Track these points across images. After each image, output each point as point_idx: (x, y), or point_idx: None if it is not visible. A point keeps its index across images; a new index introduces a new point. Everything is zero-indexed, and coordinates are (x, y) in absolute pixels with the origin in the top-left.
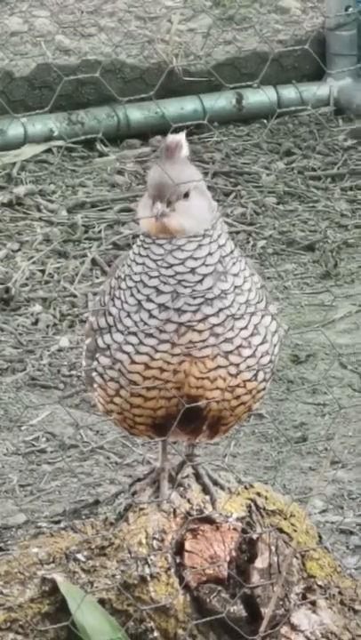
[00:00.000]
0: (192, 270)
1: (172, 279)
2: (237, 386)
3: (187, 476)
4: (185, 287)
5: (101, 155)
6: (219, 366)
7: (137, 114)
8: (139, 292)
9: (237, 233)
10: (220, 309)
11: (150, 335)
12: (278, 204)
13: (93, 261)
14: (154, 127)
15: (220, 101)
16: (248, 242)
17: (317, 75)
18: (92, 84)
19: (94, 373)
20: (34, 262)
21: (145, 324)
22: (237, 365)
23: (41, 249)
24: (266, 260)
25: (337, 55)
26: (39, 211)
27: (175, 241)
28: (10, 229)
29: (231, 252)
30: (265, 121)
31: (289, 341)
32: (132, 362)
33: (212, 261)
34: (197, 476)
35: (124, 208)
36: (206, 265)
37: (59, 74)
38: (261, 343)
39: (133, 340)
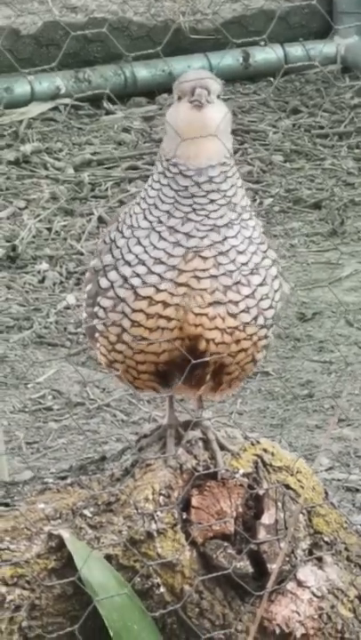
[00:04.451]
0: (212, 201)
1: (188, 207)
2: (236, 328)
3: (194, 442)
4: (198, 214)
5: (108, 112)
6: (217, 302)
7: (144, 72)
8: (151, 213)
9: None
10: (226, 238)
11: (158, 261)
12: (285, 161)
13: (100, 219)
14: (161, 85)
15: (227, 59)
16: (255, 200)
17: (324, 32)
18: (99, 41)
19: (95, 320)
20: (40, 220)
21: (155, 247)
22: (236, 304)
23: (47, 207)
24: (273, 217)
25: (344, 13)
26: (46, 169)
27: (205, 172)
28: (17, 187)
29: (241, 185)
30: (272, 79)
31: (295, 299)
32: (137, 297)
33: (230, 193)
34: (206, 442)
35: (131, 166)
36: (225, 196)
37: (66, 31)
38: (261, 285)
39: (141, 269)
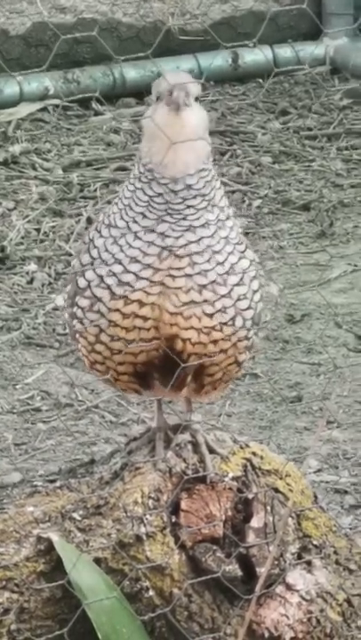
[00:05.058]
0: (189, 207)
1: (162, 211)
2: (213, 328)
3: (184, 445)
4: (173, 217)
5: (97, 113)
6: (193, 301)
7: (133, 73)
8: (126, 214)
9: (233, 192)
10: (202, 238)
11: (134, 260)
12: (274, 163)
13: (89, 220)
14: (150, 86)
15: (217, 60)
16: (244, 201)
17: (314, 34)
18: (88, 42)
19: (74, 321)
20: (29, 221)
21: (130, 246)
22: (212, 304)
23: (36, 207)
24: (261, 219)
25: (333, 14)
26: (35, 169)
27: (182, 180)
28: (5, 188)
29: (220, 186)
30: (261, 80)
31: (284, 301)
32: (113, 296)
33: (210, 196)
34: (195, 445)
35: (120, 167)
36: (205, 200)
37: (55, 32)
38: (238, 285)
39: (117, 268)
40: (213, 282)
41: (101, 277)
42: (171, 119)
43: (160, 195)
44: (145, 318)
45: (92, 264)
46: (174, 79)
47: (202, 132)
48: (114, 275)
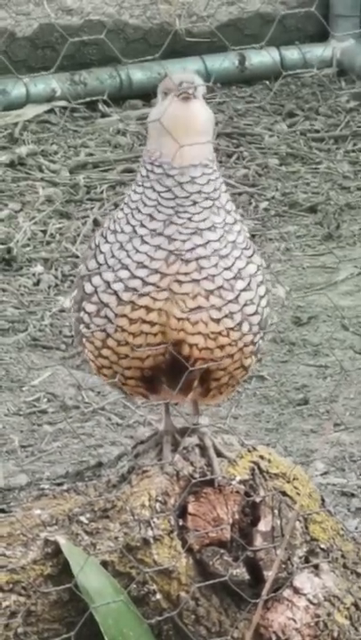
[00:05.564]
0: (194, 203)
1: (170, 209)
2: (220, 333)
3: (191, 449)
4: (180, 217)
5: (104, 115)
6: (200, 307)
7: (139, 74)
8: (133, 217)
9: (240, 194)
10: (209, 241)
11: (141, 265)
12: (281, 165)
13: (95, 222)
14: (156, 87)
15: (223, 62)
16: (250, 203)
17: (321, 36)
18: (95, 44)
19: (81, 326)
20: (36, 223)
21: (137, 251)
22: (219, 310)
23: (43, 209)
24: (268, 221)
25: (340, 17)
26: (41, 171)
27: (187, 172)
28: (12, 189)
29: (226, 190)
30: (267, 82)
31: (291, 303)
32: (120, 302)
33: (214, 196)
34: (202, 448)
35: (127, 169)
36: (208, 198)
37: (61, 34)
38: (245, 290)
39: (124, 274)
40: (220, 287)
41: (108, 283)
42: (180, 108)
43: (169, 190)
44: (152, 323)
45: (98, 268)
46: (181, 76)
47: (209, 127)
48: (120, 280)
